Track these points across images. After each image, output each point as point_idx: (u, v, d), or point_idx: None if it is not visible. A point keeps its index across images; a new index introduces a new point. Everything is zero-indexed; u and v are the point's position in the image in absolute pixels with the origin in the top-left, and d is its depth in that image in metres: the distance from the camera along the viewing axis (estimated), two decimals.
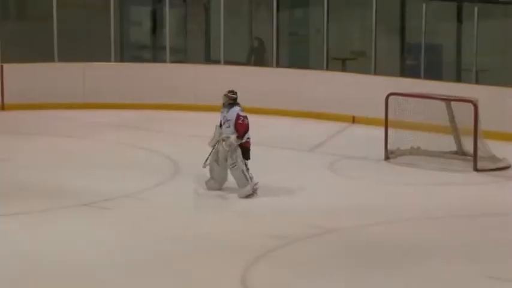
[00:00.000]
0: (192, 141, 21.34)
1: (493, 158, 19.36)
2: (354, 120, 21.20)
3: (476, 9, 22.25)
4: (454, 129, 19.82)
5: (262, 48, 26.26)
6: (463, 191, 18.20)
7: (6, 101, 23.98)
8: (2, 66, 23.93)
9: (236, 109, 17.97)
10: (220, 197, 17.47)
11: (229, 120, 17.88)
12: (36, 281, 13.55)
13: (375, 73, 22.05)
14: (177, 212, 16.69)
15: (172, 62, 25.47)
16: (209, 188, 17.92)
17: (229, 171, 17.78)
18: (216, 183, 17.90)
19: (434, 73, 22.94)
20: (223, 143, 17.72)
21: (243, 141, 17.75)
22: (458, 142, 19.79)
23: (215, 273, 13.95)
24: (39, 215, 15.68)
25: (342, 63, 24.87)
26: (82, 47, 24.91)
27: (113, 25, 24.89)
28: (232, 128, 17.74)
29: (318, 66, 24.25)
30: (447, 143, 19.79)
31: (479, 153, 19.18)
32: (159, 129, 22.40)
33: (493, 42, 23.19)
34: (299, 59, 25.64)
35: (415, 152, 19.81)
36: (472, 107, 19.14)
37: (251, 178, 17.75)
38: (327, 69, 24.04)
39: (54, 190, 17.62)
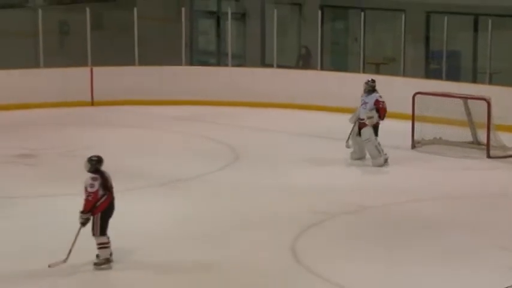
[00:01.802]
0: (249, 133, 21.47)
1: (504, 147, 19.26)
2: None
3: (490, 21, 22.09)
4: (470, 123, 19.76)
5: (308, 54, 26.31)
6: (478, 175, 18.13)
7: (95, 98, 24.04)
8: (91, 68, 24.02)
9: (376, 95, 18.52)
10: (271, 179, 17.43)
11: (367, 103, 18.49)
12: (122, 248, 13.70)
13: (404, 75, 22.02)
14: (235, 191, 16.74)
15: (233, 65, 25.41)
16: (352, 158, 18.68)
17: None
18: (356, 154, 18.67)
19: (453, 75, 22.85)
20: (367, 120, 18.29)
21: (379, 121, 18.33)
22: (474, 134, 19.73)
23: (268, 242, 14.04)
24: (122, 193, 15.65)
25: (376, 67, 24.84)
26: (158, 53, 25.04)
27: (184, 34, 24.95)
28: (367, 109, 18.35)
29: (355, 70, 24.20)
30: (464, 134, 19.74)
31: (491, 143, 19.12)
32: (221, 122, 22.43)
33: (505, 49, 23.06)
34: (339, 64, 25.61)
35: (437, 142, 19.76)
36: (485, 104, 19.08)
37: (382, 151, 18.27)
38: (363, 72, 23.97)
39: (134, 173, 17.73)
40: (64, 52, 26.08)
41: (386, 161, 18.53)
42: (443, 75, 22.51)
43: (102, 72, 24.13)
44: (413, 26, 23.88)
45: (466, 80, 22.93)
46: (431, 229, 14.73)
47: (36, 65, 24.19)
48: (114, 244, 12.90)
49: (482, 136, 19.41)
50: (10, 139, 20.51)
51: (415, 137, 19.65)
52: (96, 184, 12.53)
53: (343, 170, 18.38)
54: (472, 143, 19.70)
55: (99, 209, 12.55)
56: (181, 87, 24.10)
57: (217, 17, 27.92)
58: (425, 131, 19.65)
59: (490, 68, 22.48)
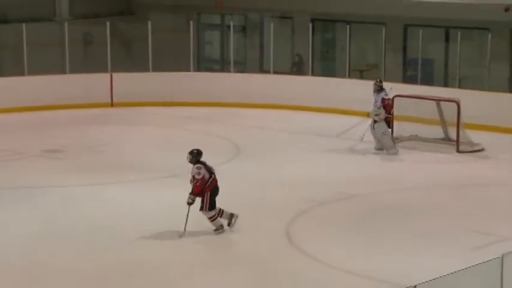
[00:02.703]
0: (249, 130, 21.46)
1: (471, 143, 19.29)
2: (368, 115, 21.20)
3: (459, 33, 22.09)
4: (442, 122, 19.80)
5: (301, 61, 26.32)
6: (449, 167, 18.16)
7: (114, 100, 24.05)
8: (111, 74, 24.02)
9: (382, 94, 18.91)
10: (268, 171, 17.44)
11: (376, 101, 18.85)
12: (135, 230, 13.81)
13: (385, 80, 22.08)
14: (237, 181, 16.68)
15: (235, 71, 25.40)
16: (375, 148, 19.01)
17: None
18: (376, 145, 19.00)
19: (428, 80, 22.88)
20: (376, 116, 18.70)
21: (389, 116, 18.78)
22: (445, 131, 19.76)
23: (266, 225, 14.12)
24: (136, 183, 15.78)
25: (360, 73, 24.87)
26: (169, 61, 25.06)
27: (192, 44, 24.97)
28: (376, 107, 18.76)
29: (342, 75, 24.23)
30: (437, 132, 19.77)
31: (460, 139, 19.14)
32: (225, 121, 22.42)
33: (472, 58, 23.10)
34: (328, 70, 25.65)
35: (413, 138, 19.79)
36: (455, 105, 19.12)
37: (395, 142, 18.85)
38: (349, 77, 24.04)
39: (148, 165, 17.81)
40: (87, 60, 26.12)
41: (397, 152, 18.89)
42: (419, 80, 22.53)
43: (121, 78, 24.12)
44: (392, 37, 23.91)
45: (438, 85, 22.96)
46: (408, 214, 14.80)
47: (62, 71, 24.22)
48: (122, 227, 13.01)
49: (452, 133, 19.42)
50: (40, 137, 20.55)
51: (395, 134, 19.57)
52: (202, 171, 13.36)
53: (332, 163, 18.39)
54: (443, 139, 19.72)
55: (207, 189, 13.37)
56: (190, 91, 24.09)
57: (221, 29, 27.94)
58: (403, 129, 19.65)
59: (459, 73, 22.49)
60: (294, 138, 20.65)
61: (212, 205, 13.42)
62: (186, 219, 13.31)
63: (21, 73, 23.40)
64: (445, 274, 8.91)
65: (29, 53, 23.34)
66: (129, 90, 24.00)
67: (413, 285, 8.32)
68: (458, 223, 14.28)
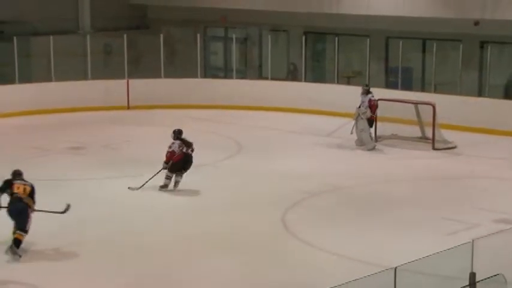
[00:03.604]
0: (250, 130, 21.43)
1: (445, 141, 19.24)
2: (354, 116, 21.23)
3: (435, 44, 22.08)
4: (419, 122, 19.75)
5: (295, 69, 26.31)
6: (425, 162, 18.15)
7: (130, 103, 24.01)
8: (128, 80, 23.98)
9: (369, 96, 18.96)
10: (267, 166, 17.39)
11: (363, 101, 18.91)
12: (146, 216, 13.78)
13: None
14: (239, 175, 16.78)
15: (237, 78, 25.38)
16: (356, 145, 19.01)
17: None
18: (358, 142, 19.00)
19: (407, 86, 22.82)
20: (362, 115, 18.73)
21: (373, 115, 18.81)
22: (422, 131, 19.72)
23: (264, 214, 14.14)
24: (148, 176, 15.70)
25: (347, 79, 24.85)
26: (179, 68, 25.06)
27: (199, 54, 24.95)
28: (363, 107, 18.77)
29: (331, 81, 24.21)
30: (415, 131, 19.72)
31: (435, 138, 19.08)
32: (228, 121, 22.37)
33: (446, 66, 23.09)
34: (319, 77, 25.64)
35: (394, 137, 19.72)
36: (431, 108, 19.09)
37: (373, 139, 18.90)
38: (338, 83, 24.02)
39: (158, 161, 17.68)
40: (106, 68, 26.09)
41: (374, 147, 18.86)
42: (399, 85, 22.47)
43: (136, 83, 24.07)
44: (375, 48, 23.89)
45: (416, 90, 22.92)
46: (389, 204, 14.79)
47: (84, 77, 24.20)
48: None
49: (428, 132, 19.37)
50: (64, 135, 20.53)
51: (378, 133, 19.61)
52: (173, 146, 15.38)
53: (322, 159, 18.35)
54: (421, 138, 19.67)
55: (174, 159, 15.26)
56: (197, 95, 24.06)
57: (225, 41, 27.93)
58: (385, 128, 19.62)
59: (434, 80, 22.47)
60: (289, 137, 20.63)
61: (172, 169, 15.19)
62: (150, 178, 15.30)
63: (48, 79, 23.38)
64: (422, 257, 8.92)
65: (55, 61, 23.32)
66: (143, 94, 23.97)
67: (394, 266, 8.30)
68: (434, 212, 14.28)
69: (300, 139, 20.37)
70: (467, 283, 8.69)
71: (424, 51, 23.98)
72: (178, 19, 27.18)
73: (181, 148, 15.34)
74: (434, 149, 19.03)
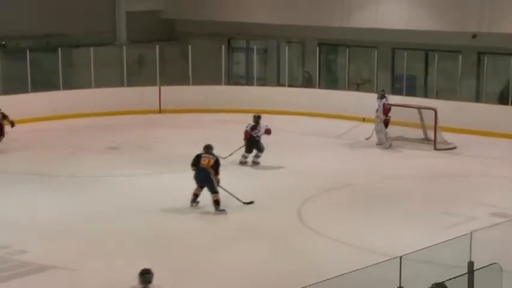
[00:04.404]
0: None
1: (445, 142, 19.16)
2: (364, 119, 21.18)
3: (436, 55, 22.02)
4: (422, 125, 19.68)
5: (310, 77, 26.24)
6: (428, 161, 18.08)
7: (162, 107, 24.02)
8: (160, 87, 24.04)
9: (383, 100, 19.09)
10: (286, 164, 17.32)
11: (379, 106, 19.08)
12: (176, 208, 13.78)
13: (376, 92, 22.01)
14: (262, 171, 16.75)
15: (257, 85, 25.35)
16: (376, 144, 19.00)
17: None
18: (378, 141, 19.00)
19: (411, 92, 22.73)
20: (377, 118, 18.93)
21: (386, 117, 18.76)
22: (425, 133, 19.64)
23: (282, 206, 14.13)
24: (178, 172, 15.75)
25: (357, 86, 24.78)
26: (205, 76, 25.03)
27: (223, 63, 24.97)
28: (379, 111, 18.94)
29: (342, 88, 24.15)
30: (418, 133, 19.65)
31: (437, 139, 19.01)
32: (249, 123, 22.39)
33: (447, 75, 22.97)
34: (331, 84, 25.56)
35: (399, 138, 19.61)
36: (433, 112, 19.00)
37: (388, 138, 18.79)
38: (348, 89, 23.96)
39: (187, 159, 17.62)
40: (140, 76, 26.14)
41: (390, 145, 18.85)
42: (404, 92, 22.40)
43: (167, 90, 24.07)
44: (383, 58, 23.81)
45: (419, 96, 22.82)
46: (395, 199, 14.75)
47: (121, 85, 24.27)
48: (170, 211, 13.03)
49: (430, 134, 19.30)
50: (103, 136, 20.59)
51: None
52: (247, 127, 17.18)
53: (336, 158, 18.30)
54: (423, 139, 19.59)
55: (244, 138, 17.02)
56: (221, 100, 24.06)
57: (247, 52, 27.92)
58: (391, 130, 19.51)
59: (436, 87, 22.38)
60: (304, 138, 20.61)
61: (246, 148, 16.77)
62: (235, 150, 16.56)
63: (89, 86, 23.46)
64: (425, 247, 8.88)
65: (95, 70, 23.39)
66: (173, 99, 23.96)
67: (399, 255, 8.26)
68: (435, 206, 14.21)
69: (314, 140, 20.32)
70: (466, 271, 8.63)
71: (426, 61, 23.86)
72: (205, 32, 27.20)
73: (254, 131, 16.80)
74: (435, 149, 18.95)
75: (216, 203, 13.67)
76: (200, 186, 13.86)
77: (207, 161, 13.80)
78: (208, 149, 14.04)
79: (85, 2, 26.41)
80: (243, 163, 16.97)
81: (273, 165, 17.39)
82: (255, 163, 17.07)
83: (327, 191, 15.26)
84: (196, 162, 13.86)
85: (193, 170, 13.84)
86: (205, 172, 13.73)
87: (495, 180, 16.19)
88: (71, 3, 25.93)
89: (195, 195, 13.92)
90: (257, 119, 17.27)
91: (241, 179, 16.15)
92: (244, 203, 13.94)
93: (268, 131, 17.27)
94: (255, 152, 17.18)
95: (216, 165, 13.79)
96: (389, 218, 13.55)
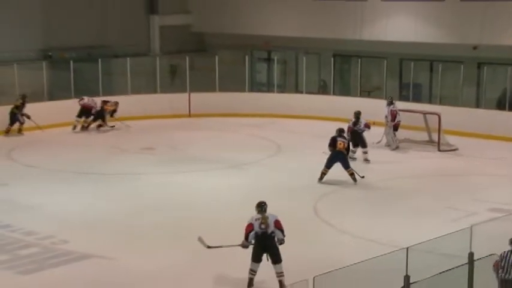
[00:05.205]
0: (288, 134, 21.30)
1: (448, 144, 19.04)
2: (373, 123, 21.02)
3: (440, 65, 21.89)
4: (427, 128, 19.56)
5: (325, 85, 26.16)
6: (432, 162, 17.97)
7: (191, 112, 24.01)
8: (189, 94, 24.03)
9: (391, 106, 18.91)
10: (303, 164, 17.33)
11: (388, 111, 18.85)
12: (204, 203, 13.81)
13: (385, 99, 21.91)
14: (277, 171, 16.73)
15: (278, 92, 25.35)
16: (385, 145, 18.82)
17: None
18: (387, 143, 18.86)
19: (417, 99, 22.61)
20: (387, 122, 18.77)
21: (393, 122, 18.61)
22: (429, 135, 19.53)
23: (299, 202, 14.12)
24: (206, 171, 15.79)
25: (368, 93, 24.69)
26: (231, 84, 25.00)
27: (247, 72, 24.95)
28: (389, 117, 18.66)
29: (355, 95, 24.07)
30: (423, 135, 19.54)
31: (441, 141, 18.92)
32: (270, 127, 22.29)
33: (450, 83, 22.84)
34: (345, 91, 25.48)
35: (406, 140, 19.51)
36: (437, 117, 18.91)
37: (396, 140, 18.69)
38: (360, 96, 23.88)
39: (215, 158, 17.83)
40: (172, 84, 26.22)
41: (397, 147, 18.72)
42: (411, 98, 22.29)
43: (196, 96, 24.03)
44: (391, 68, 23.72)
45: (424, 102, 22.67)
46: (402, 196, 14.70)
47: (154, 91, 24.32)
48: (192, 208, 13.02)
49: (434, 137, 19.20)
50: (138, 138, 20.64)
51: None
52: (350, 123, 17.13)
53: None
54: (428, 141, 19.49)
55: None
56: (245, 106, 24.02)
57: (268, 62, 27.92)
58: (398, 133, 19.37)
59: (440, 94, 22.24)
60: (320, 140, 20.34)
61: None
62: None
63: (125, 93, 23.55)
64: (430, 239, 8.85)
65: (131, 78, 23.49)
66: (202, 105, 23.93)
67: (406, 246, 8.23)
68: (439, 202, 14.15)
69: (326, 144, 20.19)
70: (467, 261, 8.59)
71: (431, 70, 23.74)
72: (230, 44, 27.22)
73: (356, 125, 17.13)
74: (439, 150, 18.84)
75: (352, 175, 14.99)
76: (328, 167, 14.98)
77: (342, 144, 15.06)
78: (341, 131, 15.22)
79: (123, 17, 26.53)
80: (352, 158, 16.77)
81: (291, 164, 17.40)
82: (366, 160, 17.20)
83: (340, 188, 15.22)
84: (333, 144, 15.05)
85: (330, 150, 15.12)
86: (342, 154, 14.99)
87: (494, 179, 16.09)
88: (110, 19, 26.11)
89: (323, 174, 15.12)
90: (358, 114, 17.29)
91: (260, 176, 16.16)
92: (361, 176, 15.20)
93: (367, 125, 17.39)
94: (361, 149, 17.24)
95: (349, 146, 15.36)
96: (397, 212, 13.50)
